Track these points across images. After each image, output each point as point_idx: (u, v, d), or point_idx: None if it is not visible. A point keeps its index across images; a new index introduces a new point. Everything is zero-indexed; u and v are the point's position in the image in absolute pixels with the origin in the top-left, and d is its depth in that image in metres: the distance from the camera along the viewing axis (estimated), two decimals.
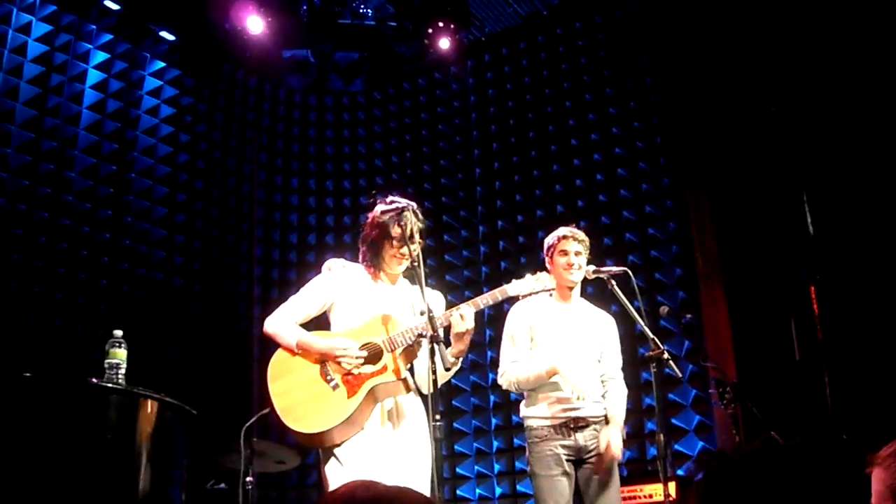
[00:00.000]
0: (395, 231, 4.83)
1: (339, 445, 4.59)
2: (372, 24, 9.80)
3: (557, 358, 5.59)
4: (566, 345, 5.68)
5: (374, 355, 4.63)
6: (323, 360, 4.66)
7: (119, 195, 8.77)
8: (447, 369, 4.43)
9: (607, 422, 5.65)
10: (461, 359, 4.73)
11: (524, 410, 5.73)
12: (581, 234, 5.75)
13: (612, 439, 5.52)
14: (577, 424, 5.56)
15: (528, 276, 4.89)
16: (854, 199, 7.58)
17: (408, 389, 4.72)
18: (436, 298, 4.88)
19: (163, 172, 9.23)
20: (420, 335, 4.56)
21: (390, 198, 5.02)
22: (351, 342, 4.63)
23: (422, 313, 4.52)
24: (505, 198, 9.87)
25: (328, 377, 4.62)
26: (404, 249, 4.80)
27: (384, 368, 4.60)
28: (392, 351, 4.63)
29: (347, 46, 10.24)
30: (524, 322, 5.79)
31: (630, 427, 8.48)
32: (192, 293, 9.32)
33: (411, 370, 4.84)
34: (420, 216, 4.91)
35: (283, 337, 4.74)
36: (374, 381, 4.58)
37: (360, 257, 5.05)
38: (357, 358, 4.59)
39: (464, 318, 4.62)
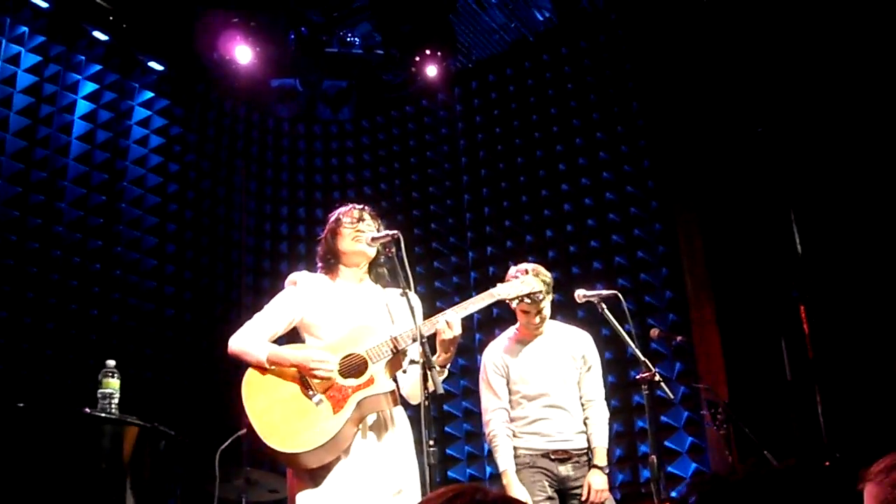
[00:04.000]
0: (347, 218, 4.78)
1: (319, 469, 4.28)
2: (359, 52, 9.87)
3: (537, 406, 5.75)
4: (543, 380, 5.78)
5: (357, 367, 4.38)
6: (301, 375, 4.37)
7: (109, 225, 8.77)
8: (432, 393, 4.11)
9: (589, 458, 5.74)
10: (447, 367, 4.49)
11: (512, 439, 5.80)
12: (542, 287, 5.21)
13: (593, 485, 5.60)
14: (559, 457, 5.64)
15: (513, 279, 4.80)
16: (842, 217, 7.62)
17: (395, 402, 4.48)
18: (415, 302, 4.52)
19: (152, 202, 9.23)
20: (400, 347, 4.38)
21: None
22: (328, 354, 4.38)
23: (414, 341, 4.30)
24: (494, 223, 9.89)
25: (310, 393, 4.33)
26: (361, 227, 4.71)
27: (370, 381, 4.33)
28: (377, 362, 4.37)
29: (335, 75, 10.30)
30: (497, 366, 5.90)
31: (622, 450, 8.51)
32: (184, 322, 9.30)
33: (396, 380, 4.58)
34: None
35: (250, 354, 4.47)
36: (360, 395, 4.30)
37: (318, 262, 4.92)
38: (332, 370, 4.32)
39: (451, 325, 4.38)
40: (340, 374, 4.37)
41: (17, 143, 8.15)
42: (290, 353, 4.44)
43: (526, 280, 4.80)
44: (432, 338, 4.45)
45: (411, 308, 4.30)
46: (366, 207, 4.88)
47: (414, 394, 4.47)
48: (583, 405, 5.86)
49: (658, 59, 9.06)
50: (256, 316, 4.72)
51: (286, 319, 4.70)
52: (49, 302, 8.10)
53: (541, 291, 4.85)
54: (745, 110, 8.22)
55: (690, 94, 8.64)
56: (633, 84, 9.32)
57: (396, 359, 4.45)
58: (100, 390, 4.68)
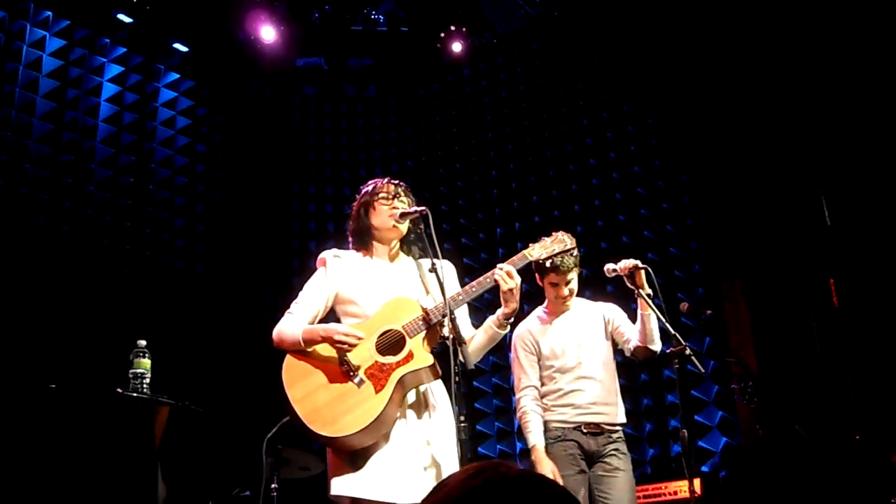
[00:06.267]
0: (383, 192, 4.67)
1: (359, 450, 4.22)
2: (384, 30, 9.83)
3: (571, 378, 5.72)
4: (574, 352, 5.76)
5: (395, 343, 4.29)
6: (341, 357, 4.26)
7: (138, 207, 8.82)
8: (464, 369, 4.13)
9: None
10: (511, 320, 4.45)
11: (543, 415, 5.78)
12: (569, 261, 5.59)
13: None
14: (591, 430, 5.62)
15: (544, 239, 4.66)
16: (871, 190, 7.56)
17: (436, 375, 4.35)
18: (448, 270, 4.58)
19: (180, 183, 9.27)
20: (432, 321, 4.30)
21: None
22: (356, 331, 4.25)
23: (444, 316, 4.20)
24: (521, 199, 9.87)
25: (351, 374, 4.22)
26: (396, 203, 4.61)
27: (410, 356, 4.24)
28: (414, 337, 4.29)
29: (360, 53, 10.26)
30: (526, 342, 5.87)
31: (653, 425, 8.50)
32: (214, 302, 9.34)
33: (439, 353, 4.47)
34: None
35: (287, 336, 4.38)
36: (401, 371, 4.21)
37: (350, 238, 4.82)
38: (357, 337, 4.21)
39: (511, 274, 4.35)
40: (379, 351, 4.29)
41: (44, 127, 8.21)
42: (320, 326, 4.38)
43: (557, 237, 4.67)
44: (494, 292, 4.44)
45: (441, 283, 4.20)
46: (401, 183, 4.79)
47: (472, 359, 4.43)
48: (629, 344, 5.78)
49: (683, 29, 8.98)
50: (293, 304, 4.59)
51: (324, 297, 4.60)
52: (79, 284, 8.15)
53: (574, 248, 4.74)
54: (775, 82, 8.15)
55: (717, 63, 8.58)
56: (660, 57, 9.25)
57: (433, 331, 4.36)
58: (131, 370, 4.71)
